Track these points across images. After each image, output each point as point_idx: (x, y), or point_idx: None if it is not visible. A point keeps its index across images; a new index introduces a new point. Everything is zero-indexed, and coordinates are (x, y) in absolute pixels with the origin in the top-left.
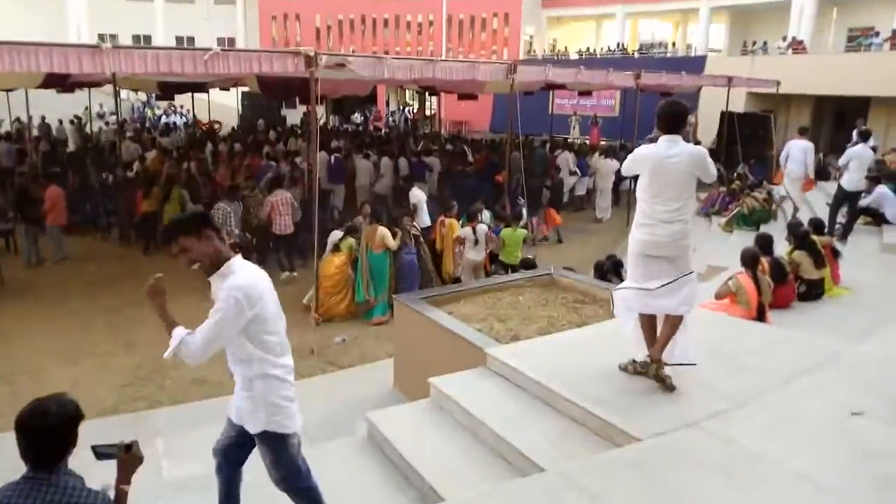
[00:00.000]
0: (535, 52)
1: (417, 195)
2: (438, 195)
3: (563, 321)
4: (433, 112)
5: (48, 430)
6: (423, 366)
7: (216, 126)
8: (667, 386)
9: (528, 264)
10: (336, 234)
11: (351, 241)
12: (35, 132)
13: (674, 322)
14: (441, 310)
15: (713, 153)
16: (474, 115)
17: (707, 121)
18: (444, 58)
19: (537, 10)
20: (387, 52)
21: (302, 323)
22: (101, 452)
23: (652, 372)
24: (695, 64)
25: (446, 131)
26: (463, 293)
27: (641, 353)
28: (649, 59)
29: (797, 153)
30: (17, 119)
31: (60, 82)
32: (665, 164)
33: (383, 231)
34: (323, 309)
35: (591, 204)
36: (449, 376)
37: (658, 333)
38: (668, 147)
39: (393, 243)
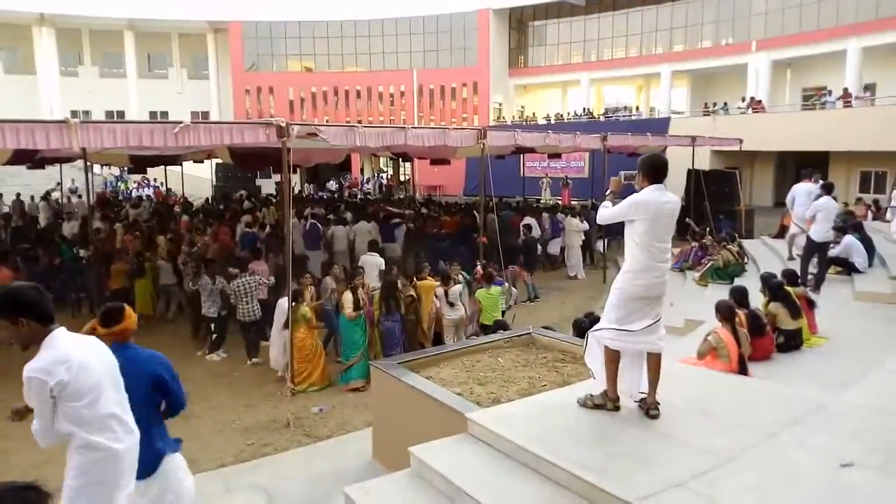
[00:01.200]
0: (504, 118)
1: (366, 260)
2: (407, 257)
3: (544, 381)
4: (407, 178)
5: None
6: (403, 434)
7: (180, 199)
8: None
9: (502, 326)
10: (283, 303)
11: (304, 309)
12: (6, 208)
13: (656, 361)
14: (419, 374)
15: (683, 210)
16: (448, 179)
17: (674, 179)
18: (415, 125)
19: (505, 79)
20: (360, 122)
21: (275, 395)
22: None
23: (645, 413)
24: (659, 125)
25: (420, 195)
26: (442, 356)
27: (600, 389)
28: (615, 122)
29: (802, 196)
30: None
31: (29, 158)
32: (662, 209)
33: (345, 297)
34: (298, 379)
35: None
36: (429, 444)
37: (630, 373)
38: (661, 194)
39: (349, 310)
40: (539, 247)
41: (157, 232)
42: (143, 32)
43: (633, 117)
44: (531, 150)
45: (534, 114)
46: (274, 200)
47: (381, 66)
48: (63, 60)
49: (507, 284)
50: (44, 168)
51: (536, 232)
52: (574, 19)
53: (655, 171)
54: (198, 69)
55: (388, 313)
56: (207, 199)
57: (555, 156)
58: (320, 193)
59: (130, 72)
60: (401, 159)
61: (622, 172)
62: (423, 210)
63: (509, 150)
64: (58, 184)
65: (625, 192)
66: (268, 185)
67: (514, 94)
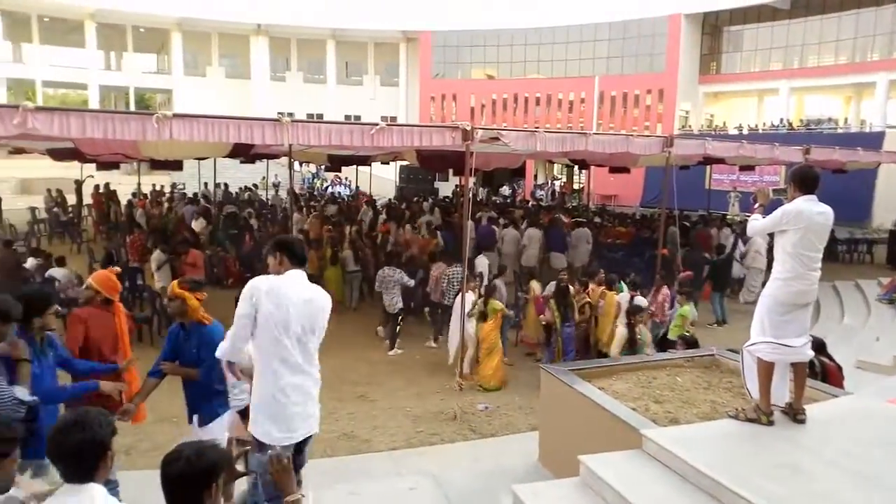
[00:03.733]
0: (690, 127)
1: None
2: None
3: (728, 407)
4: (581, 185)
5: (176, 478)
6: (571, 441)
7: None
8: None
9: (689, 342)
10: (470, 297)
11: (497, 303)
12: (219, 197)
13: (802, 368)
14: (591, 384)
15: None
16: (624, 189)
17: (889, 200)
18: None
19: (693, 87)
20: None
21: (445, 388)
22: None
23: (793, 418)
24: (871, 140)
25: (594, 204)
26: (616, 368)
27: (758, 401)
28: (818, 135)
29: None
30: (205, 185)
31: (245, 152)
32: (815, 219)
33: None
34: (478, 375)
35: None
36: (601, 456)
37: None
38: (814, 205)
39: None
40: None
41: (345, 224)
42: (344, 42)
43: (840, 130)
44: (720, 161)
45: (724, 123)
46: (450, 202)
47: (562, 73)
48: (273, 67)
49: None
50: (254, 163)
51: (740, 249)
52: (776, 24)
53: (808, 182)
54: (389, 76)
55: (564, 320)
56: (390, 199)
57: (747, 168)
58: (493, 198)
59: (330, 78)
60: (577, 166)
61: (769, 188)
62: (597, 219)
63: (696, 160)
64: (263, 177)
65: (772, 206)
66: (445, 188)
67: (703, 102)
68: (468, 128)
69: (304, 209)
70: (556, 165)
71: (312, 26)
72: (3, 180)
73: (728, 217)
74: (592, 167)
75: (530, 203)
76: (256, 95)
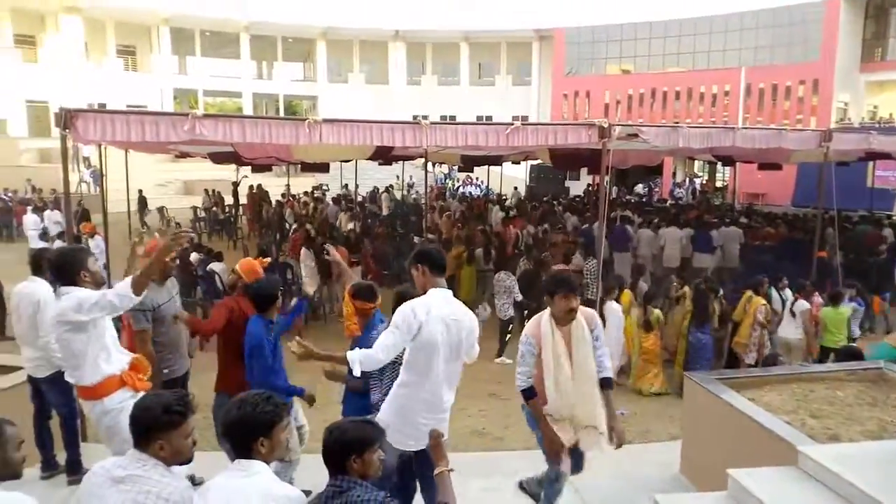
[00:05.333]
0: (849, 120)
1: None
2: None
3: None
4: (725, 183)
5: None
6: (716, 454)
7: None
8: None
9: (853, 353)
10: (612, 305)
11: (657, 313)
12: (360, 198)
13: None
14: (740, 394)
15: None
16: (773, 187)
17: None
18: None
19: (854, 76)
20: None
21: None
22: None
23: None
24: None
25: (740, 203)
26: (766, 379)
27: None
28: None
29: None
30: (346, 186)
31: (385, 155)
32: None
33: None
34: (636, 381)
35: None
36: (752, 471)
37: None
38: None
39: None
40: None
41: (474, 223)
42: (476, 43)
43: None
44: (886, 157)
45: (890, 115)
46: (583, 202)
47: (704, 65)
48: (410, 71)
49: (853, 305)
50: (391, 165)
51: None
52: None
53: None
54: (521, 75)
55: (699, 325)
56: (520, 198)
57: None
58: (628, 197)
59: (463, 79)
60: (720, 163)
61: None
62: (743, 219)
63: (856, 155)
64: (398, 178)
65: None
66: (576, 187)
67: (865, 93)
68: (605, 125)
69: (437, 209)
70: (696, 162)
71: (446, 29)
72: (170, 182)
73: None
74: (738, 164)
75: (668, 202)
76: (394, 99)
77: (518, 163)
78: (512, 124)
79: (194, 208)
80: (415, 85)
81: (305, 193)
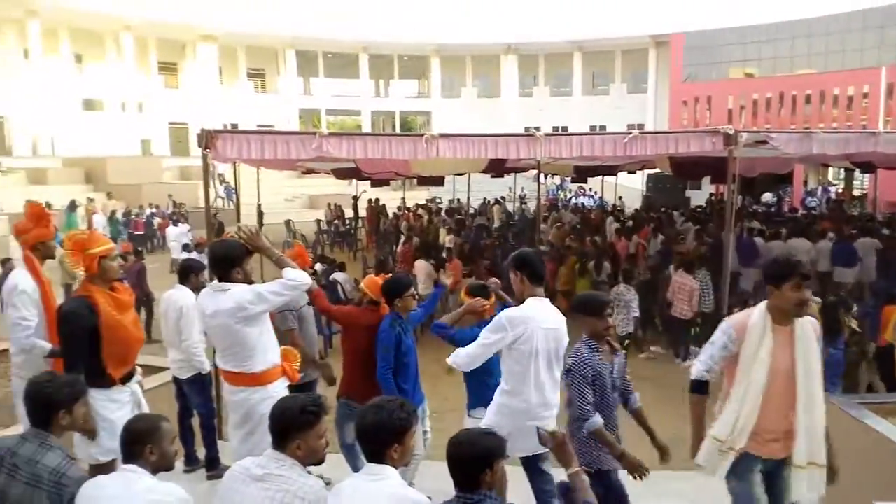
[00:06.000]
0: None
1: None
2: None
3: None
4: (864, 192)
5: (462, 458)
6: (858, 483)
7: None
8: None
9: None
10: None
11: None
12: (471, 210)
13: None
14: (887, 421)
15: None
16: None
17: None
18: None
19: None
20: (807, 128)
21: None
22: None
23: None
24: None
25: (881, 213)
26: None
27: None
28: None
29: None
30: (457, 199)
31: (497, 167)
32: None
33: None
34: None
35: None
36: None
37: None
38: None
39: None
40: None
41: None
42: (590, 52)
43: None
44: None
45: None
46: (705, 212)
47: (838, 66)
48: (522, 83)
49: None
50: (502, 177)
51: None
52: None
53: None
54: (636, 83)
55: (830, 340)
56: (636, 209)
57: None
58: (755, 206)
59: (576, 90)
60: (858, 170)
61: None
62: (885, 230)
63: None
64: (510, 189)
65: None
66: (697, 197)
67: None
68: (731, 132)
69: (549, 221)
70: (830, 169)
71: (559, 40)
72: (297, 196)
73: None
74: (880, 170)
75: (800, 212)
76: (505, 112)
77: (634, 172)
78: (630, 133)
79: (318, 221)
80: (526, 97)
81: (419, 206)
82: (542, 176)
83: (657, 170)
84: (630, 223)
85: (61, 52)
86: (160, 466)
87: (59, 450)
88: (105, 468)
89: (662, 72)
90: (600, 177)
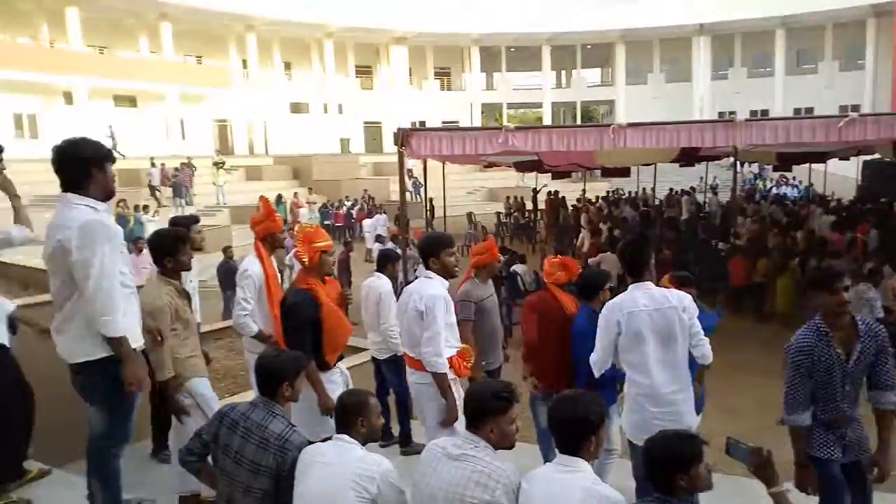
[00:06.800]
0: None
1: None
2: None
3: None
4: None
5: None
6: None
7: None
8: None
9: None
10: None
11: None
12: (657, 201)
13: None
14: None
15: None
16: None
17: None
18: None
19: None
20: None
21: None
22: (731, 449)
23: None
24: None
25: None
26: None
27: None
28: None
29: None
30: (643, 189)
31: (689, 156)
32: None
33: None
34: None
35: None
36: None
37: None
38: None
39: None
40: None
41: (793, 230)
42: (795, 28)
43: None
44: None
45: None
46: None
47: None
48: (715, 65)
49: None
50: (693, 166)
51: None
52: None
53: None
54: (851, 60)
55: None
56: (851, 200)
57: None
58: None
59: (778, 70)
60: None
61: None
62: None
63: None
64: (701, 179)
65: None
66: None
67: None
68: None
69: (745, 213)
70: None
71: (760, 17)
72: (477, 189)
73: None
74: None
75: None
76: (695, 96)
77: (847, 158)
78: (845, 116)
79: (497, 213)
80: (720, 80)
81: (598, 198)
82: (738, 164)
83: (876, 155)
84: (844, 215)
85: (273, 61)
86: (368, 438)
87: (283, 417)
88: None
89: (884, 46)
90: (807, 164)
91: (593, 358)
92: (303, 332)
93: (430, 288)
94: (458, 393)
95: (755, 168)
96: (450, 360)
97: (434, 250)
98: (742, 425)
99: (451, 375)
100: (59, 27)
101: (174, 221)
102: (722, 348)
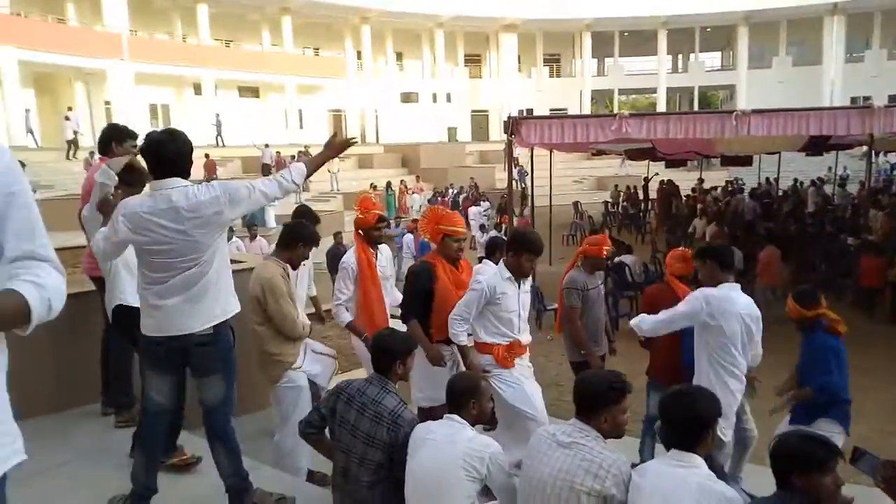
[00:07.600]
0: None
1: None
2: None
3: None
4: None
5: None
6: None
7: None
8: None
9: None
10: None
11: None
12: (781, 191)
13: None
14: None
15: None
16: None
17: None
18: None
19: None
20: None
21: None
22: (859, 458)
23: None
24: None
25: None
26: None
27: None
28: None
29: None
30: (767, 179)
31: (817, 144)
32: None
33: None
34: None
35: None
36: None
37: None
38: None
39: None
40: None
41: None
42: None
43: None
44: None
45: None
46: None
47: None
48: (849, 47)
49: None
50: (821, 155)
51: None
52: None
53: None
54: None
55: None
56: None
57: None
58: None
59: None
60: None
61: None
62: None
63: None
64: (829, 169)
65: None
66: None
67: None
68: None
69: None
70: None
71: None
72: (584, 178)
73: None
74: None
75: None
76: (825, 81)
77: None
78: None
79: (605, 203)
80: (856, 62)
81: (715, 188)
82: (873, 154)
83: None
84: None
85: (386, 52)
86: (478, 420)
87: (395, 394)
88: (428, 413)
89: None
90: None
91: (659, 318)
92: (413, 297)
93: (486, 272)
94: (502, 387)
95: (892, 158)
96: (496, 348)
97: (519, 248)
98: (863, 429)
99: (493, 365)
100: (191, 23)
101: (298, 213)
102: (849, 353)
